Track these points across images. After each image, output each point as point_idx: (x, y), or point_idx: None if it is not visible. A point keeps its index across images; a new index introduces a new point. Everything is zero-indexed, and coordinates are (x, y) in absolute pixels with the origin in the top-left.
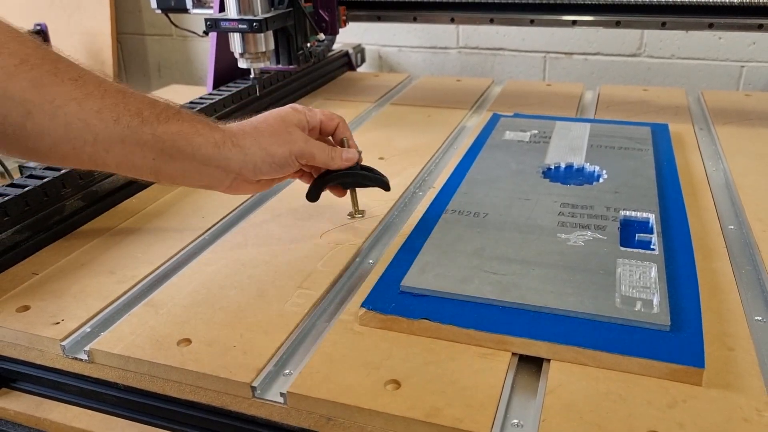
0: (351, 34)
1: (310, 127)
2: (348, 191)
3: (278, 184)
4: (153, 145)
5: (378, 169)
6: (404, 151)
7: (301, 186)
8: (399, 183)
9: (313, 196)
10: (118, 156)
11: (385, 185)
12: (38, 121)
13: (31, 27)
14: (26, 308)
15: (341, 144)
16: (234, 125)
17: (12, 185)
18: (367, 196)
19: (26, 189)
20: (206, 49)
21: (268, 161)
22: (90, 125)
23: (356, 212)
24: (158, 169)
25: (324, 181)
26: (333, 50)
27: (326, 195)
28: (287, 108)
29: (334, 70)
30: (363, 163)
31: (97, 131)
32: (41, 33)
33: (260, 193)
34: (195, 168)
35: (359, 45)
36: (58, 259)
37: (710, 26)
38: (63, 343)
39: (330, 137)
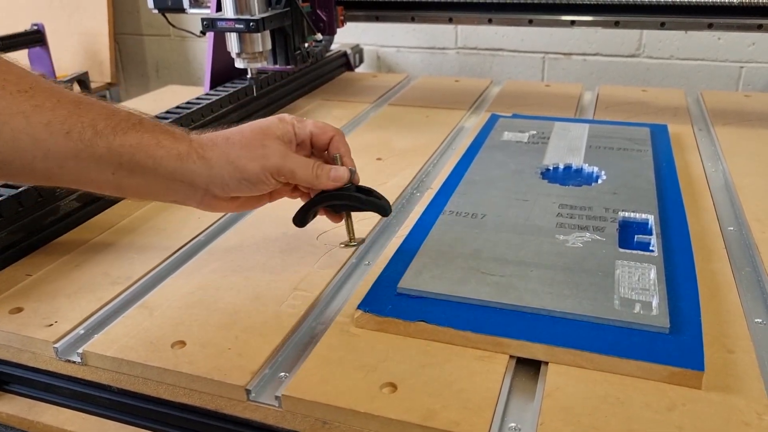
0: (349, 35)
1: (299, 140)
2: (343, 215)
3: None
4: (109, 160)
5: (377, 190)
6: (402, 152)
7: None
8: (397, 184)
9: (298, 220)
10: (73, 172)
11: (382, 210)
12: None
13: (28, 27)
14: (19, 310)
15: (333, 161)
16: (206, 136)
17: (6, 186)
18: None
19: (20, 189)
20: (204, 49)
21: (237, 177)
22: (39, 140)
23: (351, 240)
24: (120, 184)
25: (312, 202)
26: (331, 50)
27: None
28: (273, 118)
29: (332, 71)
30: (361, 182)
31: (48, 146)
32: (38, 33)
33: None
34: (159, 183)
35: (357, 45)
36: (53, 260)
37: (710, 26)
38: (56, 346)
39: (326, 152)
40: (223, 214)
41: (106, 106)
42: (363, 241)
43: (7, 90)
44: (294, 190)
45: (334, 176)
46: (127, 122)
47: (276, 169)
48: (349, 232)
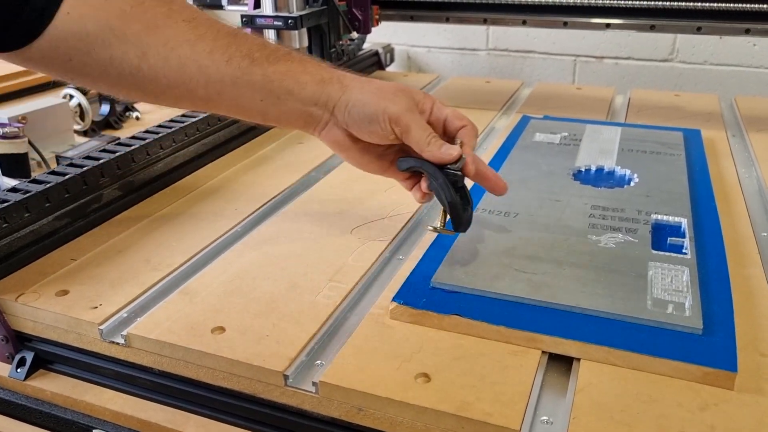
0: (380, 34)
1: (432, 117)
2: (432, 197)
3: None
4: (262, 86)
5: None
6: None
7: (334, 182)
8: None
9: (401, 164)
10: (228, 98)
11: (458, 220)
12: (153, 63)
13: None
14: (65, 292)
15: (454, 142)
16: (351, 73)
17: (53, 173)
18: (398, 193)
19: (67, 177)
20: None
21: (359, 108)
22: (203, 67)
23: (441, 226)
24: (265, 111)
25: (415, 159)
26: (363, 49)
27: (359, 189)
28: (418, 90)
29: (364, 69)
30: (465, 183)
31: (210, 73)
32: None
33: (293, 187)
34: (298, 107)
35: (389, 45)
36: (96, 246)
37: (747, 32)
38: (101, 327)
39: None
40: (258, 207)
41: (258, 38)
42: (453, 232)
43: (173, 19)
44: (410, 177)
45: (445, 150)
46: (278, 52)
47: (396, 116)
48: (442, 216)
